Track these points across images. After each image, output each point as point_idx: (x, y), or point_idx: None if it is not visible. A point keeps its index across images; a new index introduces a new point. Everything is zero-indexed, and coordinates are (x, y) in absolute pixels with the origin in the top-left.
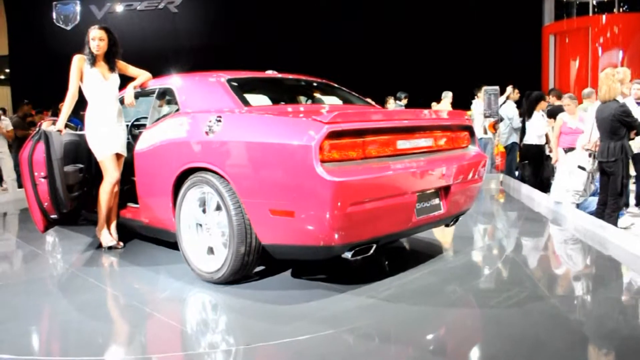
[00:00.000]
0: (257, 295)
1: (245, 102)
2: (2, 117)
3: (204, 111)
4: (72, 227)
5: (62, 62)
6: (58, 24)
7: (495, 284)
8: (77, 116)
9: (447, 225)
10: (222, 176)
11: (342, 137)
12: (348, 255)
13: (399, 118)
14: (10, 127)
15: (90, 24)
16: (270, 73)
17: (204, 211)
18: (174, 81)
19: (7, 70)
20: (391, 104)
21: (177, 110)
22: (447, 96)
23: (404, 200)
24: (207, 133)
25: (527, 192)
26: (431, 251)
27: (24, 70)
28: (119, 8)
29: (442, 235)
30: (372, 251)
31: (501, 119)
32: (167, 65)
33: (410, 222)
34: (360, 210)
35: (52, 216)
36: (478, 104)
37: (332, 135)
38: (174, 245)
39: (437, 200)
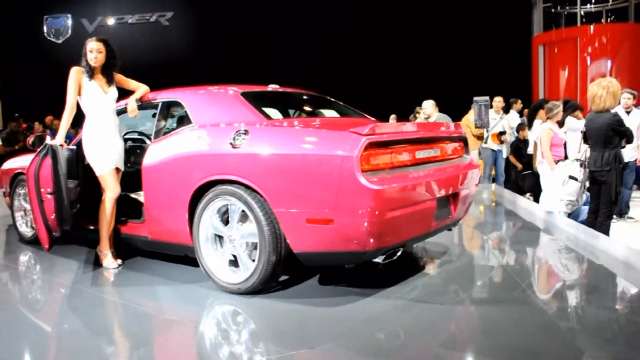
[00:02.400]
0: (293, 301)
1: (267, 116)
2: None
3: (226, 124)
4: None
5: (52, 76)
6: (49, 38)
7: (488, 294)
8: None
9: (449, 230)
10: (250, 187)
11: (376, 147)
12: (380, 259)
13: (418, 130)
14: None
15: (81, 37)
16: (273, 87)
17: (224, 223)
18: (184, 94)
19: None
20: (422, 115)
21: (189, 123)
22: (433, 104)
23: (428, 206)
24: (233, 146)
25: (519, 202)
26: (423, 261)
27: (15, 84)
28: (111, 21)
29: (435, 244)
30: (398, 255)
31: (504, 132)
32: (159, 78)
33: (430, 227)
34: (396, 216)
35: (55, 234)
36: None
37: (369, 146)
38: (178, 258)
39: (447, 206)
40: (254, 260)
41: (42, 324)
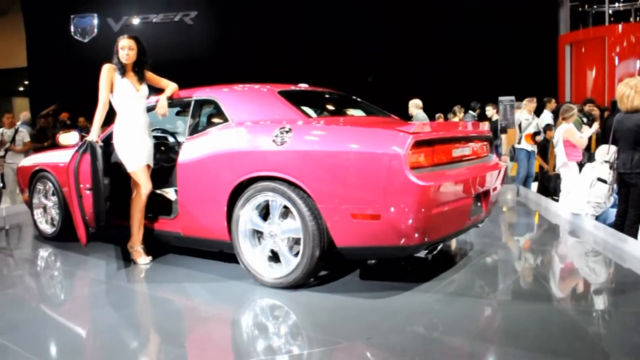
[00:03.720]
0: (336, 296)
1: (307, 114)
2: (20, 128)
3: (266, 122)
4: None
5: (79, 74)
6: (75, 37)
7: (513, 295)
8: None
9: (476, 227)
10: (294, 184)
11: (421, 146)
12: (423, 253)
13: (454, 129)
14: (27, 139)
15: (107, 37)
16: (303, 86)
17: (263, 218)
18: (218, 93)
19: (26, 82)
20: (462, 113)
21: (223, 121)
22: (419, 105)
23: (465, 202)
24: (276, 143)
25: (544, 203)
26: (451, 259)
27: (42, 82)
28: (136, 21)
29: (461, 245)
30: (438, 249)
31: (538, 132)
32: (183, 76)
33: (466, 223)
34: (440, 212)
35: (91, 230)
36: (517, 113)
37: (416, 144)
38: (208, 254)
39: (479, 203)
40: (295, 255)
41: (84, 318)
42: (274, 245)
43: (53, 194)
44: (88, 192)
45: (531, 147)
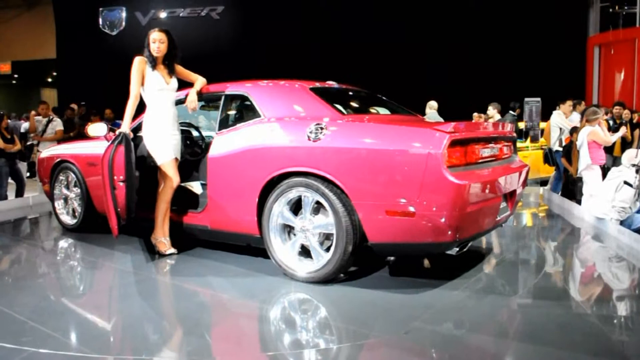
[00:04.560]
0: (368, 291)
1: (340, 111)
2: (55, 117)
3: (300, 118)
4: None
5: (107, 67)
6: (104, 30)
7: (534, 299)
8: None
9: (500, 226)
10: (327, 180)
11: (456, 145)
12: (454, 251)
13: (484, 129)
14: (60, 127)
15: (135, 30)
16: (331, 83)
17: (294, 213)
18: (250, 88)
19: (55, 74)
20: (496, 113)
21: (255, 116)
22: (433, 106)
23: (496, 201)
24: (310, 139)
25: (568, 206)
26: (472, 260)
27: (71, 74)
28: (163, 14)
29: (486, 243)
30: (468, 247)
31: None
32: (209, 71)
33: (494, 221)
34: (473, 210)
35: (122, 221)
36: (556, 116)
37: (452, 143)
38: (237, 248)
39: (505, 203)
40: (326, 250)
41: (111, 309)
42: (305, 240)
43: (75, 185)
44: (121, 184)
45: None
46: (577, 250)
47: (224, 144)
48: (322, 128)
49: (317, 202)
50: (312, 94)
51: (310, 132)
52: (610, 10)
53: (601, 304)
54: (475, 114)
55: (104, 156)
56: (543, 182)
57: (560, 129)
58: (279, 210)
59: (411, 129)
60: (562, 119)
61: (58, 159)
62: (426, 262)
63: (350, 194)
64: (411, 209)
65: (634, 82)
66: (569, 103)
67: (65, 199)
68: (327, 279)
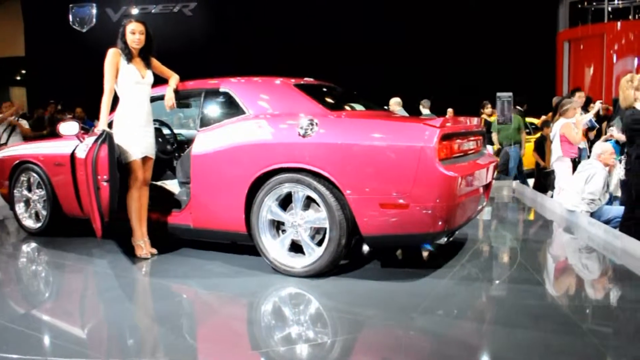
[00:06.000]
0: (362, 282)
1: (327, 107)
2: (20, 119)
3: (287, 114)
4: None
5: (77, 64)
6: (74, 26)
7: (508, 290)
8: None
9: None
10: (319, 175)
11: (445, 139)
12: (443, 240)
13: (464, 124)
14: (27, 127)
15: (105, 27)
16: (308, 80)
17: (282, 209)
18: (233, 85)
19: (23, 72)
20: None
21: (239, 113)
22: (398, 102)
23: (477, 192)
24: (301, 135)
25: (540, 199)
26: (440, 258)
27: (39, 72)
28: (135, 11)
29: (458, 238)
30: (454, 236)
31: (592, 127)
32: (181, 67)
33: (475, 211)
34: (462, 201)
35: (105, 222)
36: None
37: (442, 138)
38: (221, 246)
39: (484, 193)
40: (318, 244)
41: (94, 312)
42: (296, 235)
43: (39, 187)
44: (105, 183)
45: (584, 144)
46: (548, 243)
47: (209, 141)
48: (313, 124)
49: (308, 197)
50: (297, 90)
51: (301, 128)
52: (579, 6)
53: (573, 293)
54: (449, 110)
55: (87, 155)
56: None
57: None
58: (268, 206)
59: (403, 124)
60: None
61: (18, 160)
62: (399, 253)
63: (344, 189)
64: (404, 201)
65: (603, 76)
66: (578, 94)
67: (27, 202)
68: (321, 273)
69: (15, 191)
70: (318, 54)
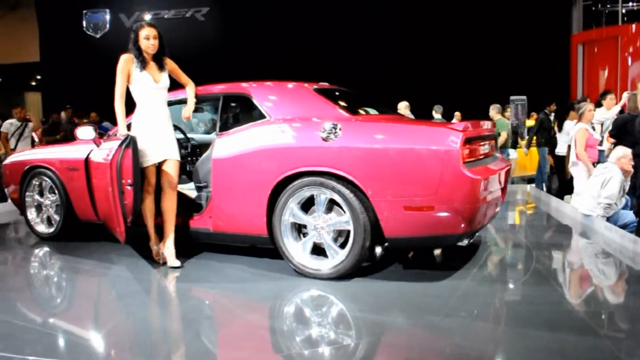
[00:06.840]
0: (385, 284)
1: (349, 111)
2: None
3: (309, 118)
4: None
5: (91, 69)
6: (88, 32)
7: (522, 294)
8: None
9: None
10: (342, 178)
11: (467, 143)
12: (465, 242)
13: (482, 127)
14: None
15: (119, 32)
16: (324, 84)
17: (305, 212)
18: (253, 89)
19: (39, 77)
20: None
21: (259, 117)
22: (406, 106)
23: (497, 194)
24: (324, 139)
25: (555, 204)
26: (458, 261)
27: (54, 77)
28: (147, 17)
29: (473, 242)
30: (474, 237)
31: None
32: (194, 73)
33: (495, 213)
34: (484, 202)
35: (128, 226)
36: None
37: (464, 141)
38: (236, 249)
39: (501, 196)
40: (341, 247)
41: (123, 314)
42: (319, 238)
43: (51, 192)
44: (129, 187)
45: (604, 146)
46: (563, 247)
47: (229, 145)
48: (336, 128)
49: (331, 200)
50: (317, 95)
51: (324, 132)
52: (593, 8)
53: (588, 298)
54: (456, 113)
55: (112, 160)
56: (530, 180)
57: (602, 124)
58: (290, 209)
59: (427, 128)
60: (604, 114)
61: (29, 165)
62: (413, 255)
63: (369, 192)
64: (430, 203)
65: (617, 79)
66: (610, 97)
67: (39, 207)
68: (344, 275)
69: (26, 196)
70: (330, 58)
